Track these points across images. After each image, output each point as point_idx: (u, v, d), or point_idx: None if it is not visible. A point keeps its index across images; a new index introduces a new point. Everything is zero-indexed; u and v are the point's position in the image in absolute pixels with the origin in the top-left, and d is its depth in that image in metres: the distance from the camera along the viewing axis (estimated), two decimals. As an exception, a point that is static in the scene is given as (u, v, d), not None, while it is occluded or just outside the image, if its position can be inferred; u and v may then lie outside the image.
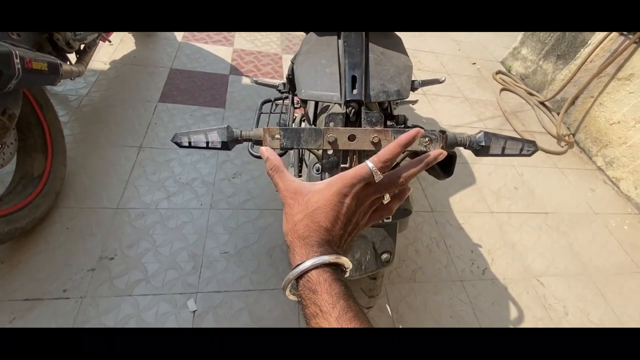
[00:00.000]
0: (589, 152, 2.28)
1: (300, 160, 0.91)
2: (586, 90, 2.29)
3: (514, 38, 2.95)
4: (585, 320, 1.42)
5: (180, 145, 0.50)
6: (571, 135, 2.36)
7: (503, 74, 2.85)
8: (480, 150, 0.48)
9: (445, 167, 1.02)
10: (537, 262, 1.58)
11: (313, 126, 0.49)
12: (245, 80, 2.11)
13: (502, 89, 2.66)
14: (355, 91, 0.51)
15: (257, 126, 1.09)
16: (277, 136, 0.48)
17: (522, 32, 2.87)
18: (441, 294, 1.38)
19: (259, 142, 0.50)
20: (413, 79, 1.30)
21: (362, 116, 0.48)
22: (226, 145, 0.50)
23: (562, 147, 2.28)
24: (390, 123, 1.33)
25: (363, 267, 0.70)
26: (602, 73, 2.18)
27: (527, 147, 0.47)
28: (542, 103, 2.57)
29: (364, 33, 0.62)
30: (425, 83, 1.25)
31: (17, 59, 0.94)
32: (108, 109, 1.71)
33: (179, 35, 2.34)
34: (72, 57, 1.49)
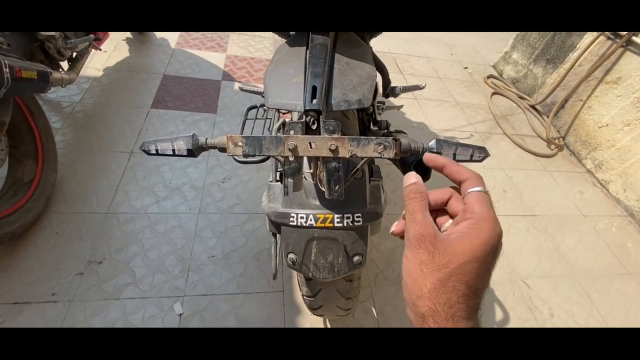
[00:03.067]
0: (579, 155, 2.30)
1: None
2: (575, 94, 2.32)
3: (506, 42, 2.99)
4: (570, 321, 1.43)
5: (148, 152, 0.53)
6: (561, 139, 2.38)
7: (494, 78, 2.88)
8: None
9: (422, 171, 1.04)
10: (523, 264, 1.59)
11: (274, 135, 0.51)
12: (238, 86, 2.14)
13: (493, 93, 2.69)
14: (314, 101, 0.53)
15: (242, 132, 1.12)
16: (240, 144, 0.50)
17: (513, 37, 2.90)
18: (427, 296, 1.39)
19: (223, 150, 0.52)
20: (394, 85, 1.33)
21: (321, 125, 0.50)
22: (192, 153, 0.53)
23: (552, 150, 2.30)
24: (374, 128, 1.36)
25: (336, 270, 0.71)
26: (590, 77, 2.20)
27: (477, 153, 0.49)
28: (532, 106, 2.60)
29: (328, 45, 0.64)
30: (406, 89, 1.28)
31: (6, 68, 0.97)
32: (100, 115, 1.74)
33: (173, 42, 2.37)
34: (65, 64, 1.53)
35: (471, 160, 0.50)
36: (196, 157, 0.54)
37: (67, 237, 1.28)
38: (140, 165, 1.57)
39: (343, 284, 0.84)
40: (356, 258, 0.71)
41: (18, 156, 1.27)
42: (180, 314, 1.17)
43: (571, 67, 2.30)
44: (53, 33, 1.31)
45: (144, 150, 0.52)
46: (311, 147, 0.50)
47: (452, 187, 0.40)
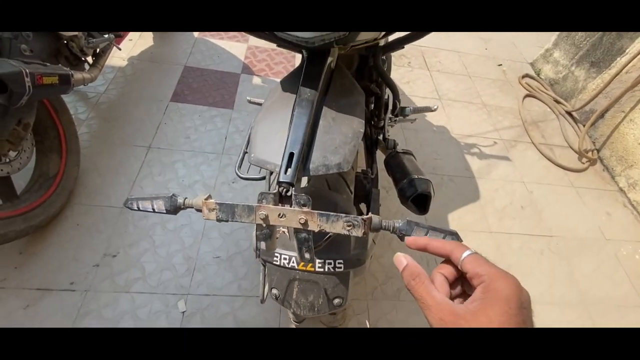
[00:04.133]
0: (612, 171, 2.13)
1: None
2: (617, 104, 2.12)
3: (548, 37, 2.74)
4: (572, 353, 1.40)
5: (131, 209, 0.55)
6: (595, 151, 2.21)
7: (530, 77, 2.68)
8: (403, 237, 0.50)
9: (420, 205, 1.02)
10: (531, 288, 1.52)
11: (246, 204, 0.52)
12: (256, 80, 2.13)
13: (526, 95, 2.51)
14: (289, 172, 0.53)
15: (247, 146, 1.12)
16: (214, 209, 0.52)
17: (557, 33, 2.66)
18: (424, 314, 1.39)
19: (199, 210, 0.54)
20: (405, 105, 1.28)
21: (292, 197, 0.51)
22: (171, 212, 0.55)
23: (583, 163, 2.15)
24: (383, 144, 1.33)
25: (316, 309, 0.73)
26: (636, 87, 2.00)
27: (449, 239, 0.48)
28: (568, 113, 2.41)
29: (315, 100, 0.61)
30: (417, 110, 1.23)
31: (27, 77, 1.02)
32: (123, 107, 1.81)
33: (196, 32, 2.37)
34: (90, 58, 1.58)
35: None
36: (176, 215, 0.57)
37: (86, 229, 1.38)
38: (157, 161, 1.63)
39: (327, 316, 0.86)
40: (336, 300, 0.72)
41: (44, 151, 1.36)
42: (183, 312, 1.25)
43: (617, 74, 2.09)
44: (76, 33, 1.36)
45: (127, 207, 0.55)
46: (282, 218, 0.50)
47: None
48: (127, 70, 2.00)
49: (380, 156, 1.32)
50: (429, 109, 1.19)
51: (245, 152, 1.11)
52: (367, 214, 1.03)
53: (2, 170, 1.14)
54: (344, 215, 0.48)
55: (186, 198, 0.56)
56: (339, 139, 0.59)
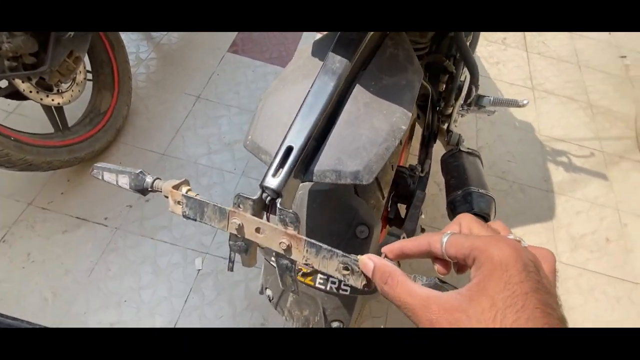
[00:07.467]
0: None
1: None
2: None
3: None
4: None
5: (96, 177, 0.47)
6: None
7: (665, 78, 2.09)
8: None
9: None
10: (592, 340, 1.27)
11: (219, 205, 0.41)
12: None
13: (652, 101, 1.97)
14: (280, 174, 0.39)
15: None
16: (180, 202, 0.41)
17: None
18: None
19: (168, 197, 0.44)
20: (483, 94, 1.03)
21: (276, 211, 0.38)
22: (138, 191, 0.46)
23: None
24: (444, 138, 1.11)
25: (310, 325, 0.63)
26: None
27: None
28: None
29: (340, 74, 0.44)
30: (499, 102, 0.97)
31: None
32: (180, 52, 1.78)
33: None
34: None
35: None
36: (144, 196, 0.47)
37: (127, 168, 1.41)
38: (202, 113, 1.60)
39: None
40: (335, 324, 0.61)
41: (98, 86, 1.38)
42: (199, 270, 1.25)
43: None
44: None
45: (93, 175, 0.47)
46: (259, 234, 0.38)
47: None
48: (193, 13, 1.94)
49: (437, 151, 1.11)
50: (515, 103, 0.93)
51: None
52: (404, 218, 0.86)
53: (53, 100, 1.17)
54: (341, 253, 0.34)
55: (156, 179, 0.46)
56: (367, 135, 0.43)
